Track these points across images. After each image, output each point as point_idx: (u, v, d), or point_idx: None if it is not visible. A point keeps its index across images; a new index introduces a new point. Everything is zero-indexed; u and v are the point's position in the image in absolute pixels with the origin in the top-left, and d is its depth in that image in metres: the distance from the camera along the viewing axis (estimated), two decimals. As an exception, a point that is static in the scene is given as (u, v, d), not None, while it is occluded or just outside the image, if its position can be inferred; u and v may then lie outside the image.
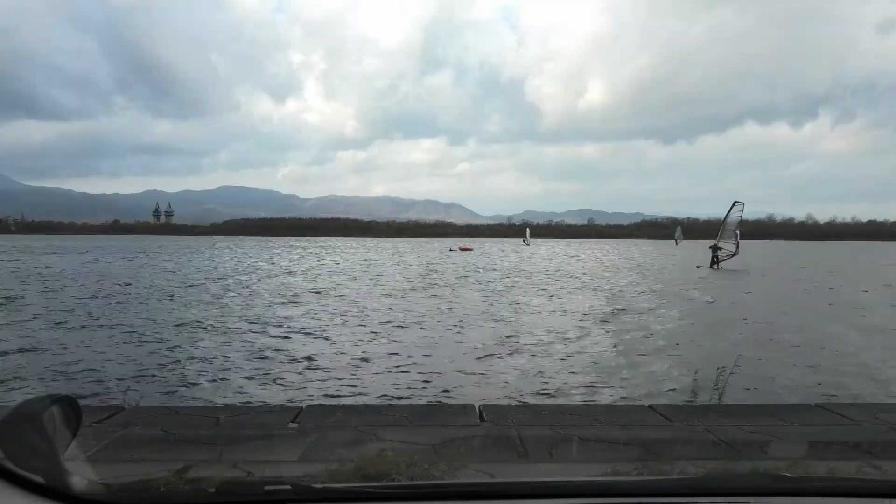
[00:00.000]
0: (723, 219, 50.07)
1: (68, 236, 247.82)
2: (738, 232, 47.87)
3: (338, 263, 55.38)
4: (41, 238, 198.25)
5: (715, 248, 48.44)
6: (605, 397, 9.53)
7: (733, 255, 47.74)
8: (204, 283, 31.67)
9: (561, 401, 9.19)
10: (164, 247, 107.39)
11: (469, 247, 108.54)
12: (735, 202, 48.71)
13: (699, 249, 65.91)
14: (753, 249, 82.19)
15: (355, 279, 36.13)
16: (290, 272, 42.64)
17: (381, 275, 39.85)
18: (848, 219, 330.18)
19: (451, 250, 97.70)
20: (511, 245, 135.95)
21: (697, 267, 49.66)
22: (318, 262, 56.35)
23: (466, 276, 38.12)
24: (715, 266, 47.62)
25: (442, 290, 28.31)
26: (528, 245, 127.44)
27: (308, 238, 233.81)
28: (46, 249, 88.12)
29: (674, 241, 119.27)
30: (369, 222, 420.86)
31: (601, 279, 37.81)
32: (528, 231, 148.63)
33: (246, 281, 33.59)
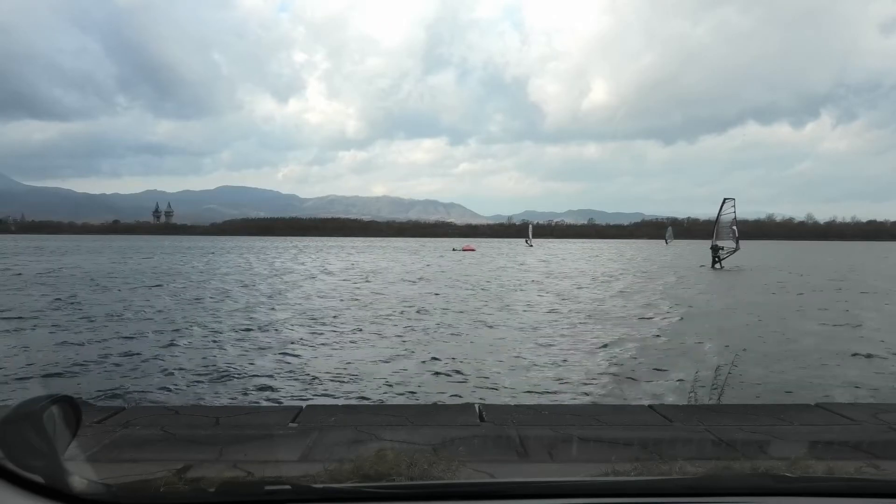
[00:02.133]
0: (716, 217, 50.01)
1: (69, 236, 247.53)
2: (735, 228, 47.89)
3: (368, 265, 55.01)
4: (45, 238, 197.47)
5: (715, 249, 48.38)
6: (605, 397, 9.53)
7: (735, 251, 47.80)
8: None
9: (561, 401, 9.19)
10: (192, 247, 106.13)
11: (472, 247, 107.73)
12: (725, 199, 48.82)
13: (689, 249, 66.16)
14: (755, 250, 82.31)
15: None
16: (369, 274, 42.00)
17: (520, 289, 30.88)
18: (848, 219, 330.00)
19: (454, 250, 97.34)
20: (517, 246, 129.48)
21: (700, 266, 50.01)
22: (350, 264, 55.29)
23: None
24: (717, 265, 47.65)
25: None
26: (532, 246, 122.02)
27: (310, 238, 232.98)
28: (80, 250, 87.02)
29: (664, 241, 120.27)
30: (369, 222, 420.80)
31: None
32: (530, 231, 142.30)
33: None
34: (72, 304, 21.76)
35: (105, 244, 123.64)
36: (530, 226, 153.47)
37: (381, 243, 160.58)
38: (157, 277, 36.03)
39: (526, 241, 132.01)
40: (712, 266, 47.87)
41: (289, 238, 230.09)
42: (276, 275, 39.49)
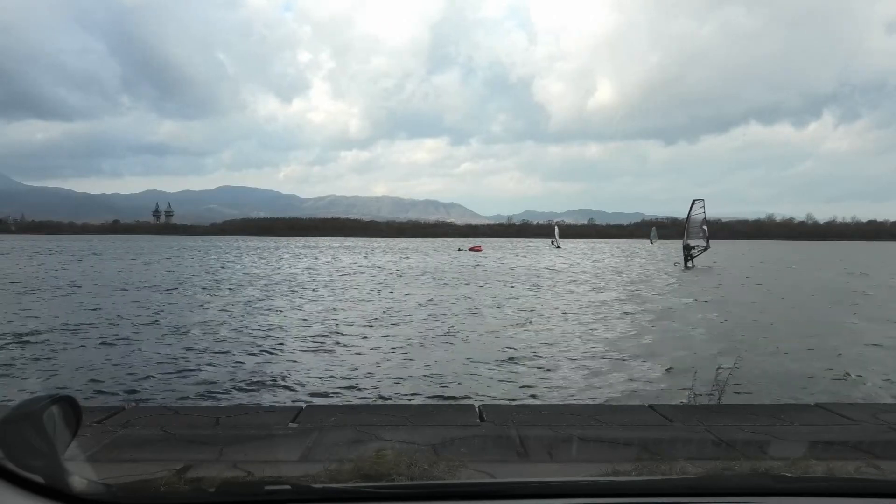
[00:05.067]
0: (686, 218, 51.25)
1: (70, 236, 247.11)
2: (704, 228, 49.26)
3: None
4: (50, 238, 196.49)
5: (687, 248, 49.90)
6: (606, 397, 9.53)
7: (705, 250, 49.31)
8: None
9: (561, 401, 9.19)
10: (211, 247, 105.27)
11: (479, 247, 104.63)
12: (694, 200, 50.16)
13: (673, 248, 67.21)
14: (754, 250, 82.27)
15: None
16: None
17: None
18: (848, 219, 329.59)
19: (459, 250, 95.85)
20: (542, 247, 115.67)
21: (675, 264, 51.83)
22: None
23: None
24: (689, 264, 49.08)
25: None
26: (560, 247, 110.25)
27: (313, 238, 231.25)
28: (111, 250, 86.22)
29: (649, 240, 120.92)
30: (369, 222, 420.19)
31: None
32: (556, 231, 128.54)
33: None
34: (94, 309, 21.43)
35: (120, 244, 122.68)
36: (556, 227, 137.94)
37: (394, 243, 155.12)
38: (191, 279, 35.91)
39: (552, 243, 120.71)
40: (685, 265, 49.20)
41: (292, 238, 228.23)
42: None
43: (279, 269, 46.22)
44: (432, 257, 70.79)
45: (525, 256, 74.56)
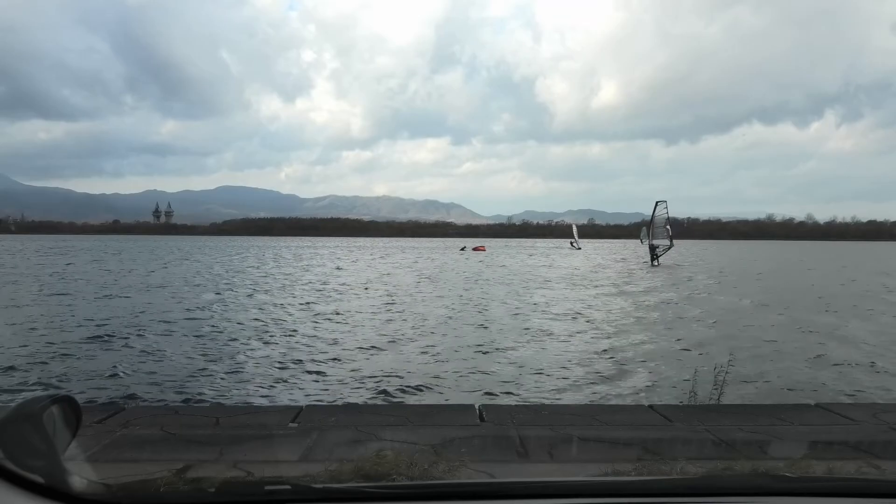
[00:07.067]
0: (650, 219, 52.83)
1: (70, 236, 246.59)
2: (668, 228, 50.67)
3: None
4: (52, 238, 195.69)
5: (652, 247, 51.56)
6: (605, 397, 9.53)
7: (670, 248, 50.75)
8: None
9: (561, 401, 9.19)
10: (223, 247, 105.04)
11: (482, 247, 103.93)
12: (657, 202, 51.64)
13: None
14: (752, 251, 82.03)
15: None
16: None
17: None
18: (848, 219, 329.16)
19: (462, 250, 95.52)
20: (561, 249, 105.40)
21: (643, 262, 54.46)
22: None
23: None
24: (655, 262, 50.47)
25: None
26: (580, 248, 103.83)
27: (312, 238, 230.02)
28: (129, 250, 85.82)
29: (640, 240, 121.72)
30: (369, 222, 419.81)
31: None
32: (575, 230, 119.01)
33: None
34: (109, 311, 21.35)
35: (146, 244, 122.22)
36: (574, 226, 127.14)
37: (401, 243, 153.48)
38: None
39: (571, 244, 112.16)
40: (651, 263, 50.52)
41: (297, 238, 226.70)
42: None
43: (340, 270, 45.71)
44: (455, 258, 70.46)
45: (563, 256, 75.44)
